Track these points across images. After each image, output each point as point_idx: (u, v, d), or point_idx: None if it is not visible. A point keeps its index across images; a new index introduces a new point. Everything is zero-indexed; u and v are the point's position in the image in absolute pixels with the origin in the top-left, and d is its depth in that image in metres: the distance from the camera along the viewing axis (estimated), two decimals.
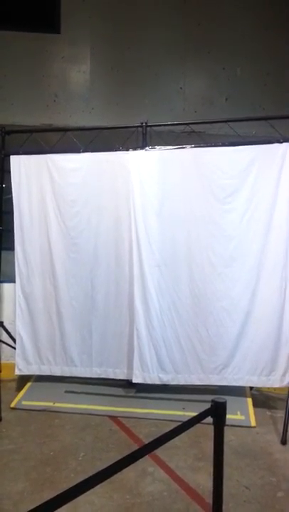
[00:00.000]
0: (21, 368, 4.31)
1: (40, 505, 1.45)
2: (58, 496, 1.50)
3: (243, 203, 3.87)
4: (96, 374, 4.22)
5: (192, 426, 2.02)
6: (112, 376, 4.20)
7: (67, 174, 4.20)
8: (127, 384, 4.26)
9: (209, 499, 2.29)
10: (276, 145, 3.80)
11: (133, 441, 3.38)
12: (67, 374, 4.29)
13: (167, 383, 4.07)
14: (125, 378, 4.19)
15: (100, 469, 1.61)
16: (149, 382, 4.04)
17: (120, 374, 4.18)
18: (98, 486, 2.62)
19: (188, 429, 2.00)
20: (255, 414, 3.76)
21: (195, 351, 3.99)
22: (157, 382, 4.04)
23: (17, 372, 4.32)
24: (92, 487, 1.62)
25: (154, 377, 4.03)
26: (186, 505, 2.59)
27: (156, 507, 2.57)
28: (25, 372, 4.34)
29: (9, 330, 4.44)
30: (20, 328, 4.32)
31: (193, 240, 3.98)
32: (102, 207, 4.16)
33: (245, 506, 2.57)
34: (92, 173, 4.16)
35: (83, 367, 4.24)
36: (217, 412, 2.03)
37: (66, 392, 4.25)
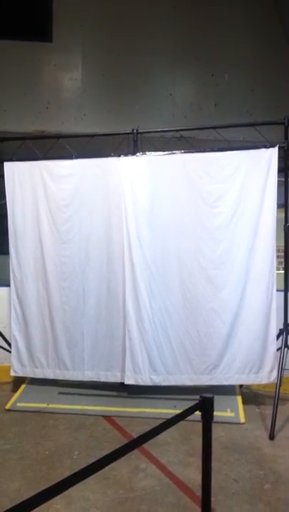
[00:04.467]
0: (16, 370, 4.39)
1: (34, 496, 1.54)
2: (50, 487, 1.59)
3: (230, 207, 3.97)
4: (88, 377, 4.27)
5: (181, 420, 2.12)
6: (103, 379, 4.26)
7: (60, 180, 4.29)
8: (120, 386, 4.30)
9: (199, 492, 2.39)
10: (262, 150, 3.91)
11: (126, 439, 3.45)
12: (59, 377, 4.34)
13: (159, 384, 4.13)
14: (117, 381, 4.23)
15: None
16: (140, 383, 4.11)
17: (112, 377, 4.23)
18: (93, 482, 2.74)
19: (177, 422, 2.11)
20: (245, 411, 3.86)
21: (186, 352, 4.07)
22: (149, 383, 4.11)
23: (12, 373, 4.40)
24: (84, 478, 1.71)
25: (145, 379, 4.10)
26: (177, 498, 2.68)
27: (149, 501, 2.66)
28: (20, 374, 4.41)
29: (3, 333, 4.51)
30: (15, 331, 4.40)
31: (183, 243, 4.07)
32: (94, 212, 4.24)
33: (233, 498, 2.67)
34: (84, 178, 4.24)
35: (75, 370, 4.29)
36: (205, 407, 2.14)
37: (60, 393, 4.32)
